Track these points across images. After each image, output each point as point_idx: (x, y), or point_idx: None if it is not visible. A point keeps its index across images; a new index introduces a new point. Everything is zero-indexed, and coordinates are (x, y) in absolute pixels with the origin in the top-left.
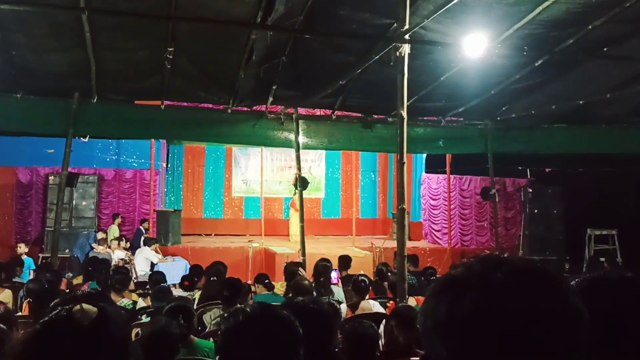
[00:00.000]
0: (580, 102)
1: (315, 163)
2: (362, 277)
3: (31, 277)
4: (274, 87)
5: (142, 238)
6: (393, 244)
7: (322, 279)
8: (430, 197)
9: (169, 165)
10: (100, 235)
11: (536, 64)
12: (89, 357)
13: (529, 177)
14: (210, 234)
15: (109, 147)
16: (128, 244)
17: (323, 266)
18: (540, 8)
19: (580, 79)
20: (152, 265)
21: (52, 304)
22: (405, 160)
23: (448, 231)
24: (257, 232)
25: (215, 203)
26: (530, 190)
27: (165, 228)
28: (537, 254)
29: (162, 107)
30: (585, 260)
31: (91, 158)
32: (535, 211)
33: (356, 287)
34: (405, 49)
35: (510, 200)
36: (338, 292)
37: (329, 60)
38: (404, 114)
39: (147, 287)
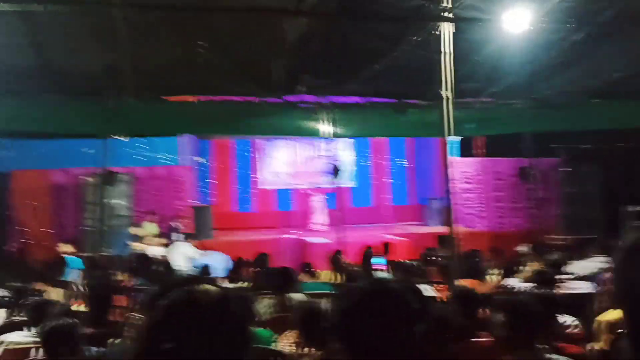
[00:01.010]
0: (617, 75)
1: (343, 151)
2: (412, 262)
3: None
4: (305, 76)
5: (177, 234)
6: (428, 229)
7: (368, 266)
8: (464, 181)
9: (203, 160)
10: (133, 230)
11: (573, 39)
12: (214, 334)
13: (563, 156)
14: (244, 228)
15: (140, 145)
16: (165, 241)
17: (368, 253)
18: None
19: (617, 52)
20: (190, 260)
21: (151, 296)
22: (448, 141)
23: (485, 214)
24: (289, 223)
25: (245, 196)
26: (566, 170)
27: (201, 223)
28: (574, 234)
29: (196, 102)
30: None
31: (123, 156)
32: (572, 190)
33: (407, 272)
34: (448, 27)
35: (546, 181)
36: (384, 277)
37: (360, 46)
38: (449, 94)
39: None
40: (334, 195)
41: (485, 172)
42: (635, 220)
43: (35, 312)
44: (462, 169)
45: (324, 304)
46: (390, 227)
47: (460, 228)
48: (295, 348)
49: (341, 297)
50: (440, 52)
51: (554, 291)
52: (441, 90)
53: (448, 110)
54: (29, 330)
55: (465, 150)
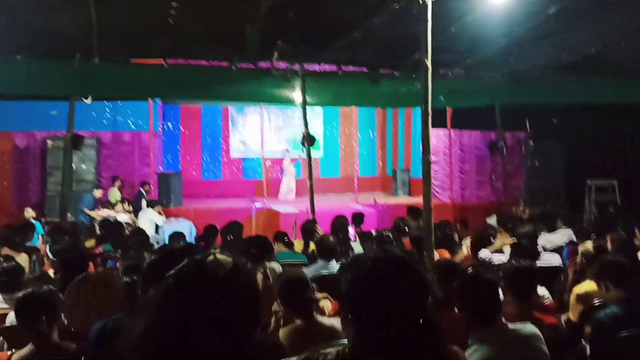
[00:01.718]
0: (593, 50)
1: (312, 121)
2: (387, 233)
3: (40, 241)
4: (280, 43)
5: (144, 200)
6: (395, 200)
7: (340, 236)
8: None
9: (171, 126)
10: (97, 193)
11: (550, 12)
12: (226, 306)
13: (528, 130)
14: (210, 196)
15: (105, 109)
16: (131, 207)
17: (341, 223)
18: None
19: (594, 27)
20: (157, 227)
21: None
22: (430, 111)
23: (450, 186)
24: (256, 192)
25: (213, 164)
26: (532, 143)
27: (167, 190)
28: (537, 207)
29: (166, 66)
30: (585, 210)
31: (88, 121)
32: (536, 164)
33: (381, 242)
34: None
35: (510, 154)
36: (357, 248)
37: (337, 13)
38: (429, 63)
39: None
40: (300, 165)
41: (450, 144)
42: (597, 194)
43: (9, 278)
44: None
45: (303, 273)
46: (357, 198)
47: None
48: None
49: (353, 265)
50: (420, 21)
51: (534, 264)
52: (426, 59)
53: (428, 79)
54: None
55: (432, 122)
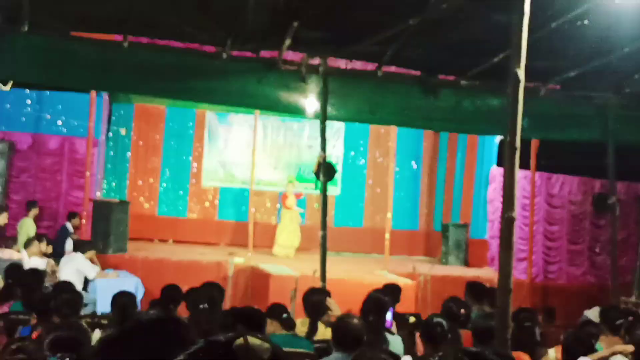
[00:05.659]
0: None
1: (329, 142)
2: (438, 320)
3: None
4: (295, 24)
5: (70, 240)
6: (445, 270)
7: (371, 319)
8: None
9: (126, 131)
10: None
11: None
12: None
13: None
14: (167, 240)
15: (25, 102)
16: (50, 248)
17: (377, 301)
18: None
19: None
20: (86, 281)
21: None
22: (518, 144)
23: (528, 256)
24: (238, 240)
25: (176, 194)
26: None
27: (106, 227)
28: None
29: (126, 44)
30: None
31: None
32: None
33: (429, 335)
34: None
35: (623, 215)
36: (395, 341)
37: None
38: (522, 75)
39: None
40: (304, 205)
41: (533, 194)
42: None
43: None
44: (501, 187)
45: None
46: (387, 261)
47: (490, 272)
48: None
49: None
50: (504, 11)
51: None
52: (518, 68)
53: (517, 98)
54: None
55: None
